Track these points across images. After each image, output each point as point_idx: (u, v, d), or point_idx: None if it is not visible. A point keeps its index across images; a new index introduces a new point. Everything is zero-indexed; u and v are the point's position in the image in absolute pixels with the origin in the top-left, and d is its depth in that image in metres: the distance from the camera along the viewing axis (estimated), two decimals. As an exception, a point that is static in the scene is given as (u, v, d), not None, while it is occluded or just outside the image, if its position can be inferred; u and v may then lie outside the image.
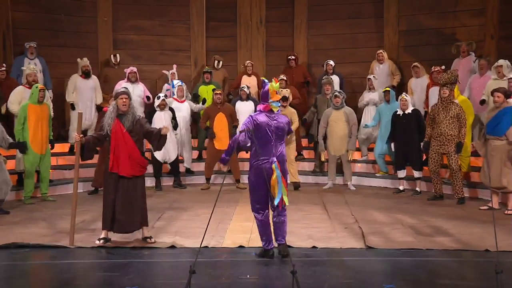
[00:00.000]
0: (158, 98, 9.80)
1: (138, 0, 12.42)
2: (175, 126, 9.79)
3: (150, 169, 10.09)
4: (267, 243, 5.71)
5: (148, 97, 10.74)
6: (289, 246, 5.76)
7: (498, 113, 7.76)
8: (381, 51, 11.45)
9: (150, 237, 6.30)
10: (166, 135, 6.23)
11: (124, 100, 6.14)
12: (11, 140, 8.04)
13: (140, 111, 10.52)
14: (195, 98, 10.84)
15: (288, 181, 9.83)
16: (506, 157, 7.68)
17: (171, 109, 9.87)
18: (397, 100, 9.80)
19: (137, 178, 6.20)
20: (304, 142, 11.21)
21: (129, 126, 6.12)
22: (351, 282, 5.03)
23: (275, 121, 5.74)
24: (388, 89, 10.02)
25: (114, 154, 6.09)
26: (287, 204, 5.68)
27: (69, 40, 11.82)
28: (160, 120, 9.53)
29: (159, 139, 6.22)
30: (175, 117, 9.84)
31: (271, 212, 5.79)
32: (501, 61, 9.17)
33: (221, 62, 11.80)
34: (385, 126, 9.77)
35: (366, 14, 12.40)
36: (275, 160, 5.62)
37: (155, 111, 9.74)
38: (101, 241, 6.20)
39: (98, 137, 6.20)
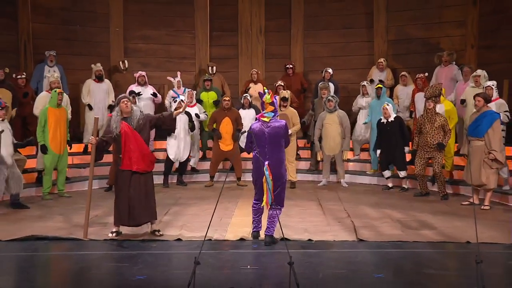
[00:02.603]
0: (175, 101, 9.79)
1: (147, 12, 12.42)
2: (192, 128, 9.83)
3: (159, 167, 10.14)
4: (254, 226, 6.21)
5: (154, 94, 10.76)
6: (287, 239, 5.77)
7: (479, 116, 7.80)
8: (381, 60, 11.42)
9: (158, 231, 6.31)
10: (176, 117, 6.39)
11: (125, 103, 6.15)
12: (15, 141, 7.98)
13: (151, 110, 10.55)
14: (199, 103, 10.85)
15: (287, 179, 9.91)
16: (484, 157, 7.71)
17: (187, 113, 9.87)
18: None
19: (148, 174, 6.21)
20: (301, 142, 11.21)
21: (136, 125, 6.13)
22: (344, 272, 5.05)
23: (268, 128, 5.96)
24: (380, 86, 10.07)
25: (126, 153, 6.09)
26: (265, 205, 5.92)
27: (83, 49, 11.85)
28: (176, 122, 9.55)
29: (171, 119, 6.30)
30: (192, 120, 9.86)
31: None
32: (479, 71, 9.22)
33: (214, 68, 11.70)
34: (375, 119, 9.75)
35: (358, 24, 12.40)
36: (266, 163, 5.84)
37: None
38: (114, 234, 6.22)
39: (107, 140, 6.20)
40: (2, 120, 7.60)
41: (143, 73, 10.83)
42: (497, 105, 8.32)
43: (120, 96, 6.35)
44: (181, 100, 9.78)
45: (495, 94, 8.47)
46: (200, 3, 12.53)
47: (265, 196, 5.87)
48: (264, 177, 5.82)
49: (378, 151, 9.49)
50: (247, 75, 12.14)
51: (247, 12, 12.67)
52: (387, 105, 9.38)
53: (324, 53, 12.49)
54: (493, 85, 8.49)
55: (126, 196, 6.10)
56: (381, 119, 9.38)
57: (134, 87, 10.62)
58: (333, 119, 9.76)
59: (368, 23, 12.30)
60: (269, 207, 5.95)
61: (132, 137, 6.09)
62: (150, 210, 6.21)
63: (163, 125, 6.44)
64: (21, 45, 11.17)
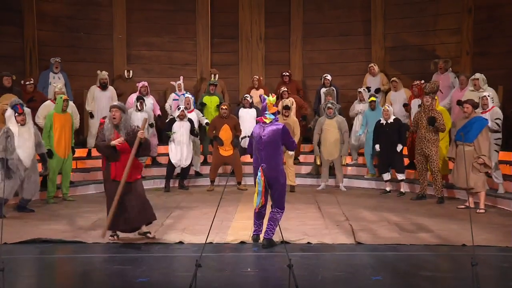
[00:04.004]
0: (179, 109, 9.80)
1: (149, 19, 12.46)
2: (196, 135, 9.86)
3: (161, 171, 10.16)
4: (255, 230, 6.13)
5: (159, 116, 10.75)
6: (286, 242, 5.76)
7: (467, 122, 7.80)
8: (372, 64, 11.47)
9: (149, 232, 6.24)
10: (145, 142, 6.03)
11: (113, 113, 6.02)
12: (44, 149, 7.97)
13: (151, 120, 10.54)
14: (201, 107, 10.87)
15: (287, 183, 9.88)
16: (473, 162, 7.70)
17: (190, 120, 9.88)
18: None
19: (137, 180, 6.12)
20: (302, 147, 11.23)
21: (126, 137, 6.00)
22: (342, 274, 5.04)
23: (266, 131, 5.94)
24: (374, 99, 10.08)
25: (116, 164, 5.99)
26: (254, 206, 5.93)
27: (87, 55, 11.87)
28: (179, 129, 9.58)
29: (146, 148, 6.08)
30: (194, 128, 9.86)
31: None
32: (477, 75, 9.22)
33: (217, 75, 11.72)
34: (370, 128, 9.82)
35: (355, 31, 12.43)
36: (261, 165, 5.84)
37: (175, 120, 9.76)
38: (115, 236, 6.18)
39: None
40: (22, 125, 7.56)
41: (146, 83, 10.81)
42: (491, 113, 8.27)
43: (113, 104, 6.22)
44: (184, 108, 9.81)
45: (490, 103, 8.40)
46: (201, 11, 12.57)
47: (255, 197, 5.87)
48: (256, 178, 5.82)
49: (377, 146, 9.41)
50: (248, 81, 12.17)
51: (247, 20, 12.71)
52: (388, 106, 9.40)
53: (322, 60, 12.51)
54: (488, 95, 8.42)
55: (116, 205, 5.96)
56: (380, 120, 9.39)
57: (136, 96, 10.61)
58: (332, 124, 9.77)
59: (366, 30, 12.33)
60: (258, 209, 5.94)
61: (120, 149, 5.97)
62: (142, 215, 6.08)
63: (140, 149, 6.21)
64: (26, 52, 11.20)
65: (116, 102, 6.34)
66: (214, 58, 12.69)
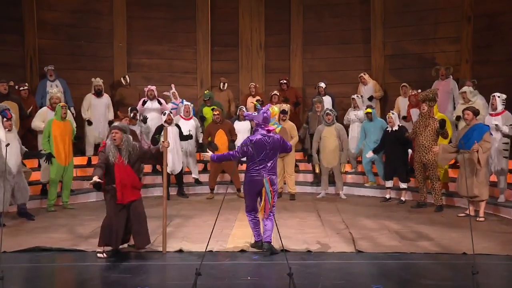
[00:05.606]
0: (164, 114, 9.81)
1: (150, 28, 12.51)
2: (185, 139, 9.81)
3: (159, 179, 10.15)
4: (256, 237, 6.18)
5: (159, 102, 10.77)
6: (286, 250, 5.76)
7: (469, 129, 7.80)
8: (361, 74, 11.53)
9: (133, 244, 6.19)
10: (162, 151, 6.04)
11: (114, 134, 5.91)
12: (24, 149, 7.94)
13: (159, 122, 10.55)
14: (201, 120, 10.88)
15: (287, 191, 9.92)
16: (473, 164, 7.65)
17: (177, 126, 9.88)
18: (383, 116, 10.03)
19: (138, 199, 6.08)
20: (298, 155, 11.24)
21: (129, 159, 5.94)
22: (342, 283, 5.02)
23: (270, 141, 5.98)
24: (370, 110, 10.09)
25: (121, 186, 5.89)
26: (262, 217, 5.96)
27: (88, 63, 11.92)
28: (168, 134, 9.56)
29: (156, 156, 6.08)
30: (182, 133, 9.84)
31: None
32: (464, 88, 9.24)
33: (226, 84, 11.85)
34: (369, 139, 9.84)
35: (355, 40, 12.49)
36: (266, 175, 5.89)
37: (163, 126, 9.76)
38: (104, 254, 5.94)
39: (102, 169, 5.93)
40: (9, 130, 7.58)
41: (153, 87, 10.88)
42: (503, 118, 8.20)
43: (114, 125, 6.10)
44: (169, 112, 9.81)
45: (500, 106, 8.24)
46: (201, 19, 12.63)
47: (263, 207, 5.87)
48: (264, 189, 5.83)
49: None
50: (247, 89, 12.20)
51: (247, 28, 12.77)
52: (392, 113, 9.42)
53: (322, 68, 12.57)
54: (499, 96, 8.27)
55: (115, 220, 5.90)
56: (387, 127, 9.43)
57: (147, 101, 10.67)
58: (331, 132, 9.78)
59: (365, 39, 12.39)
60: (267, 216, 5.95)
61: (124, 172, 5.91)
62: (143, 235, 6.04)
63: (150, 161, 6.24)
64: (27, 60, 11.25)
65: (117, 123, 6.20)
66: (214, 66, 12.73)
